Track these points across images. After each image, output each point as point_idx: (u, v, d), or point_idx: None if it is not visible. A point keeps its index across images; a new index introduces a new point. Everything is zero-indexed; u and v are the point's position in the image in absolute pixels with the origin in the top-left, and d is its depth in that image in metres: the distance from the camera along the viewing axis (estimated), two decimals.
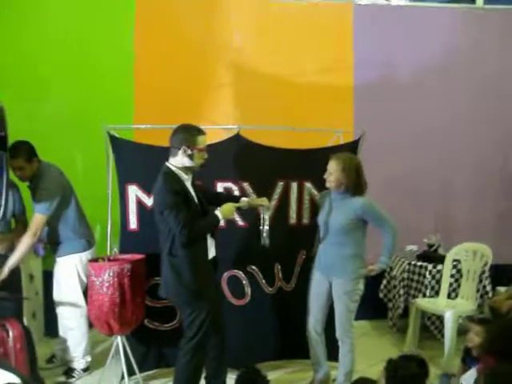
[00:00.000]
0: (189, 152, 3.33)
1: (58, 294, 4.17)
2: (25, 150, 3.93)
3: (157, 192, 3.34)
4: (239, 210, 3.73)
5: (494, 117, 5.70)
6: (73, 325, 4.14)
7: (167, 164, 3.39)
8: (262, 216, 3.59)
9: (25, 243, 3.90)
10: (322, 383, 3.95)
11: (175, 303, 3.63)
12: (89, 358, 4.24)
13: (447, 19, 5.63)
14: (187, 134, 3.37)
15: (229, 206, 3.46)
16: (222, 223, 3.53)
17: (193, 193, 3.42)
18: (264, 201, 3.68)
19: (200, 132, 3.40)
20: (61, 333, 4.23)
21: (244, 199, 3.68)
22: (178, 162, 3.36)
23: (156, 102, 5.02)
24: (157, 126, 4.06)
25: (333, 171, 3.65)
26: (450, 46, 5.62)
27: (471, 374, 3.25)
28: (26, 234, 3.91)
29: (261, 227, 3.56)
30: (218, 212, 3.40)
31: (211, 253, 3.51)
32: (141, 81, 5.10)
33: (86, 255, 4.12)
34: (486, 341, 3.24)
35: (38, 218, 3.92)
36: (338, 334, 3.77)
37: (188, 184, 3.41)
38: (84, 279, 4.10)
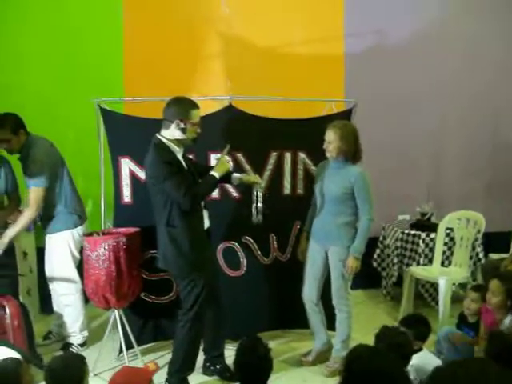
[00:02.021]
0: (182, 126, 3.28)
1: (51, 271, 4.14)
2: (11, 122, 3.85)
3: (149, 164, 3.31)
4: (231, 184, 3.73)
5: (486, 86, 5.68)
6: (68, 301, 4.11)
7: (158, 136, 3.34)
8: (255, 193, 3.55)
9: (26, 216, 3.87)
10: (321, 352, 3.97)
11: (173, 274, 3.62)
12: (86, 333, 4.22)
13: None
14: (181, 107, 3.32)
15: (221, 162, 3.43)
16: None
17: (184, 165, 3.39)
18: (257, 178, 3.65)
19: (194, 106, 3.35)
20: (56, 308, 4.21)
21: (236, 175, 3.64)
22: (170, 134, 3.32)
23: (146, 75, 4.95)
24: (147, 99, 4.02)
25: (332, 140, 3.63)
26: (441, 14, 5.58)
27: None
28: (27, 208, 3.88)
29: (253, 204, 3.52)
30: (213, 172, 3.39)
31: (206, 223, 3.50)
32: (130, 53, 5.02)
33: (77, 231, 4.07)
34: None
35: (35, 191, 3.86)
36: (335, 301, 3.79)
37: (179, 156, 3.38)
38: (77, 255, 4.07)
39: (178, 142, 3.34)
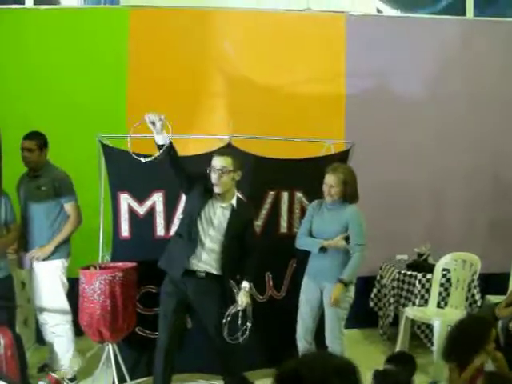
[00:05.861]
0: None
1: (42, 301, 4.13)
2: (40, 137, 4.10)
3: None
4: None
5: (485, 128, 5.75)
6: (60, 332, 4.12)
7: None
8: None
9: (70, 224, 4.11)
10: None
11: None
12: (76, 367, 4.20)
13: (439, 30, 5.69)
14: None
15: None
16: None
17: (207, 211, 3.57)
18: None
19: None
20: (48, 340, 4.20)
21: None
22: None
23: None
24: (149, 136, 4.08)
25: (335, 185, 3.71)
26: (442, 57, 5.68)
27: None
28: (69, 221, 4.11)
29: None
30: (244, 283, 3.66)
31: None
32: (133, 90, 5.14)
33: (67, 261, 4.17)
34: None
35: (72, 206, 4.11)
36: (328, 341, 3.79)
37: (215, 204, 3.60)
38: (66, 283, 4.15)
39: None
